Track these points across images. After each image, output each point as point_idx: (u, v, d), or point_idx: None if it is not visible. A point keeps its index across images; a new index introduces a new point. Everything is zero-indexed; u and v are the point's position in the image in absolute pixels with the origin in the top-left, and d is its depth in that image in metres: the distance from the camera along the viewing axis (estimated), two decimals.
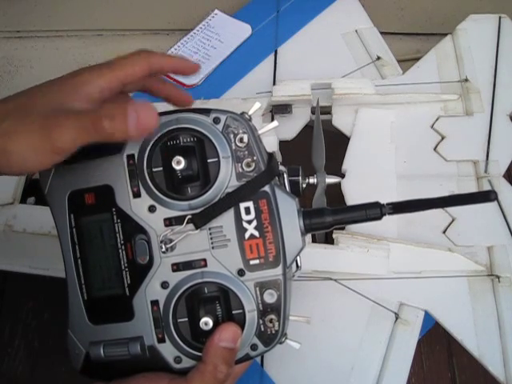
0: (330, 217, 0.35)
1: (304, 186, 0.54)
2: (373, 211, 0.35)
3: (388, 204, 0.35)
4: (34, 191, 0.59)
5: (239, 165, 0.34)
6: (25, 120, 0.31)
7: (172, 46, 0.75)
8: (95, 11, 0.84)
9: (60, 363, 0.63)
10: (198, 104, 0.63)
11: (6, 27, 0.84)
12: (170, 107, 0.37)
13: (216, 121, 0.34)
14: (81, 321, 0.35)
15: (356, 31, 0.71)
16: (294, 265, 0.35)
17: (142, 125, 0.30)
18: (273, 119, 0.63)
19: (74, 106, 0.32)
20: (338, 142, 0.61)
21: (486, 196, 0.33)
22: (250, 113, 0.35)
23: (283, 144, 0.60)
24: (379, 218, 0.35)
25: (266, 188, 0.34)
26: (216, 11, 0.78)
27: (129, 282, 0.34)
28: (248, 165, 0.34)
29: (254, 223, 0.33)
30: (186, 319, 0.34)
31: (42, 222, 0.55)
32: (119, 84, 0.35)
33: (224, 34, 0.75)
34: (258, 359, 0.49)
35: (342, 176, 0.57)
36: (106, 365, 0.34)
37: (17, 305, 0.68)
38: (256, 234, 0.33)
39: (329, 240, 0.53)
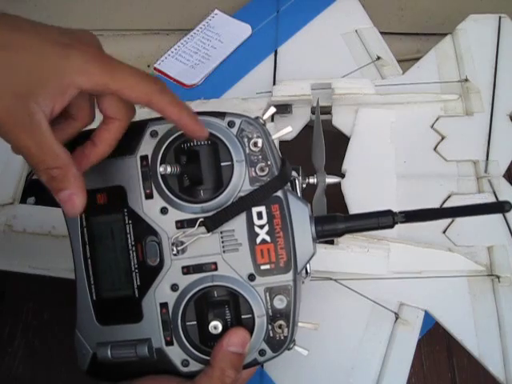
0: (342, 224, 0.35)
1: (304, 186, 0.54)
2: (385, 219, 0.34)
3: (400, 212, 0.34)
4: (34, 191, 0.59)
5: (253, 169, 0.33)
6: None
7: (172, 46, 0.75)
8: (95, 11, 0.83)
9: (60, 363, 0.63)
10: (198, 104, 0.63)
11: None
12: None
13: (231, 124, 0.34)
14: (89, 321, 0.34)
15: (356, 31, 0.71)
16: (304, 271, 0.35)
17: (74, 211, 0.30)
18: (273, 119, 0.63)
19: (40, 105, 0.27)
20: (338, 142, 0.61)
21: (500, 207, 0.33)
22: (264, 117, 0.35)
23: (283, 144, 0.60)
24: (391, 226, 0.34)
25: (279, 193, 0.33)
26: (216, 11, 0.78)
27: (138, 283, 0.34)
28: (261, 169, 0.33)
29: (266, 228, 0.33)
30: (195, 323, 0.34)
31: (42, 222, 0.55)
32: (106, 91, 0.29)
33: (224, 33, 0.75)
34: None
35: (342, 176, 0.57)
36: (113, 366, 0.34)
37: (17, 305, 0.68)
38: (268, 239, 0.33)
39: (329, 240, 0.53)
